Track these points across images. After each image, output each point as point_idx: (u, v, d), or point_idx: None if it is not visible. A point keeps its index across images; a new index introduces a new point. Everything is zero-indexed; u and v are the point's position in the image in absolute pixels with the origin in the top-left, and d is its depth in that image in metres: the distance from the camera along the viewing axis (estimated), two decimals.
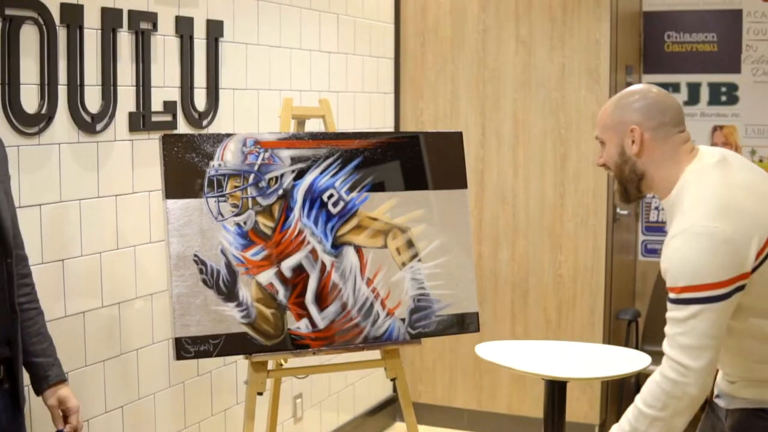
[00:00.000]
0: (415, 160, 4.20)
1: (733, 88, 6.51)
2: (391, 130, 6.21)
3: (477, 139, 6.12)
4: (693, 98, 6.59)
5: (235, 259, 3.81)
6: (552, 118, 5.99)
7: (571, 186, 5.99)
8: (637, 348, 6.17)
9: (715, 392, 3.18)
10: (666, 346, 2.86)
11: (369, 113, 5.92)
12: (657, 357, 5.21)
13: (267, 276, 3.87)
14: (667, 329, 2.87)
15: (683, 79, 6.60)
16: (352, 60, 5.71)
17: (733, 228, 2.79)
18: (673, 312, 2.85)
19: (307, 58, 5.24)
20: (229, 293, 3.79)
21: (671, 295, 2.84)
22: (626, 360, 4.38)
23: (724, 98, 6.51)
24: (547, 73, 5.99)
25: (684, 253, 2.80)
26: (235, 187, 3.84)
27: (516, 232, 6.14)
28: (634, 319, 6.21)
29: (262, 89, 4.85)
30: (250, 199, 3.87)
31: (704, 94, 6.55)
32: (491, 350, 4.46)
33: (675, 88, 6.59)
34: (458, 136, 4.36)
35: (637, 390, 3.15)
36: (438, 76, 6.24)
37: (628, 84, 6.20)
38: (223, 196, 3.81)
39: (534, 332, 6.12)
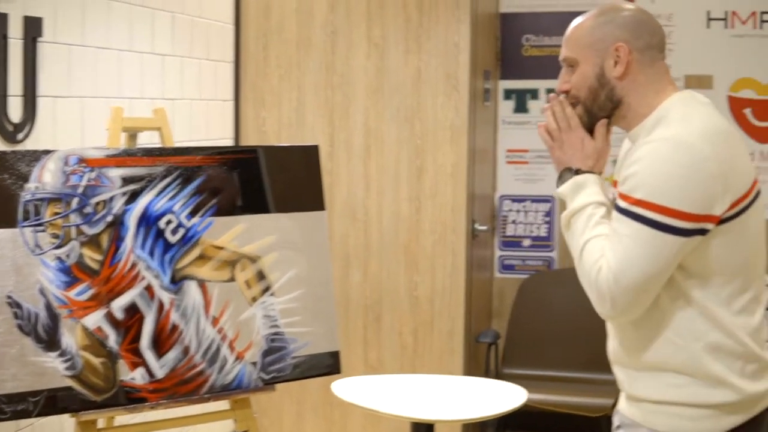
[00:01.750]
0: (266, 178, 3.78)
1: None
2: (231, 140, 5.76)
3: (325, 151, 5.71)
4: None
5: (56, 300, 3.30)
6: (407, 127, 5.63)
7: (428, 200, 5.65)
8: (497, 372, 6.00)
9: (615, 423, 2.87)
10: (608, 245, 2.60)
11: (207, 123, 5.46)
12: (519, 381, 5.02)
13: (95, 319, 3.38)
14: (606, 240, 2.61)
15: (542, 85, 6.36)
16: (188, 64, 5.22)
17: (720, 158, 2.53)
18: (615, 223, 2.58)
19: (138, 61, 4.75)
20: (50, 341, 3.29)
21: (620, 203, 2.56)
22: (497, 395, 4.19)
23: None
24: (401, 78, 5.64)
25: (655, 162, 2.52)
26: (56, 213, 3.34)
27: (368, 251, 5.76)
28: (494, 341, 5.99)
29: (87, 97, 4.34)
30: (73, 228, 3.36)
31: None
32: (349, 388, 4.14)
33: (533, 94, 6.36)
34: (314, 150, 3.96)
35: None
36: (282, 81, 5.79)
37: (486, 90, 5.95)
38: (41, 224, 3.30)
39: (389, 359, 5.75)
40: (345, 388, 4.13)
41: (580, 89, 2.72)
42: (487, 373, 5.90)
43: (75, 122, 4.28)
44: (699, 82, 6.10)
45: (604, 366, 5.84)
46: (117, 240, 3.43)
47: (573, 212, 2.67)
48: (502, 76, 6.37)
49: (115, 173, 3.46)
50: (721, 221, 2.54)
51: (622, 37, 2.66)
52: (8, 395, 3.20)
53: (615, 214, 2.56)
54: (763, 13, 6.01)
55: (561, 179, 2.75)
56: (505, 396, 4.14)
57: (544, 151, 6.31)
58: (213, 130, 5.53)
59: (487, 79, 6.06)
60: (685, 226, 2.49)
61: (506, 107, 6.36)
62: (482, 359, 5.98)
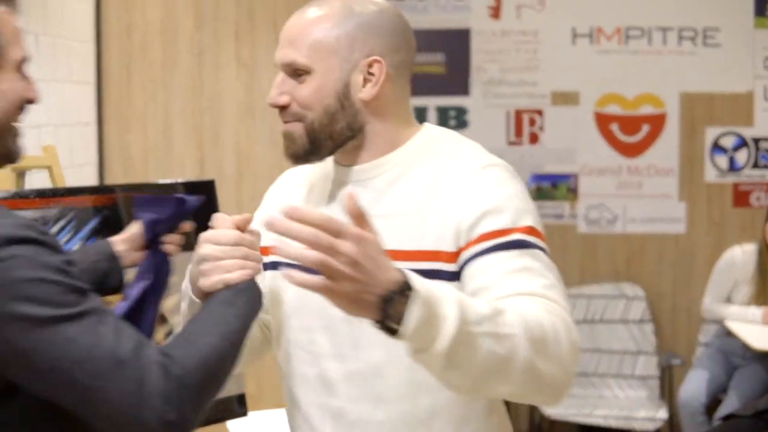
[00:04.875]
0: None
1: (462, 111, 6.18)
2: (95, 166, 5.48)
3: (195, 176, 5.49)
4: (420, 122, 6.19)
5: None
6: (280, 151, 5.42)
7: None
8: None
9: None
10: (544, 289, 1.88)
11: (70, 149, 5.17)
12: None
13: None
14: (525, 284, 1.88)
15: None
16: (54, 87, 4.94)
17: None
18: (522, 260, 1.90)
19: None
20: None
21: (516, 237, 1.91)
22: None
23: (453, 123, 6.18)
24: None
25: (510, 188, 1.98)
26: None
27: None
28: None
29: None
30: None
31: (432, 118, 6.21)
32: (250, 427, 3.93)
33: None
34: (210, 185, 3.75)
35: None
36: (147, 104, 5.55)
37: None
38: None
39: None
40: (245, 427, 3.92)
41: (310, 107, 2.00)
42: None
43: None
44: (565, 99, 6.12)
45: None
46: None
47: (457, 333, 1.65)
48: None
49: None
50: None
51: (378, 49, 2.00)
52: None
53: (505, 253, 1.91)
54: (628, 29, 6.05)
55: (397, 319, 1.62)
56: None
57: None
58: (77, 156, 5.25)
59: None
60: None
61: None
62: None
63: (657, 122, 6.12)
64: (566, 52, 6.08)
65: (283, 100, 2.03)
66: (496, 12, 6.08)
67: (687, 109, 6.11)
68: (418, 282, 1.63)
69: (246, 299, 1.92)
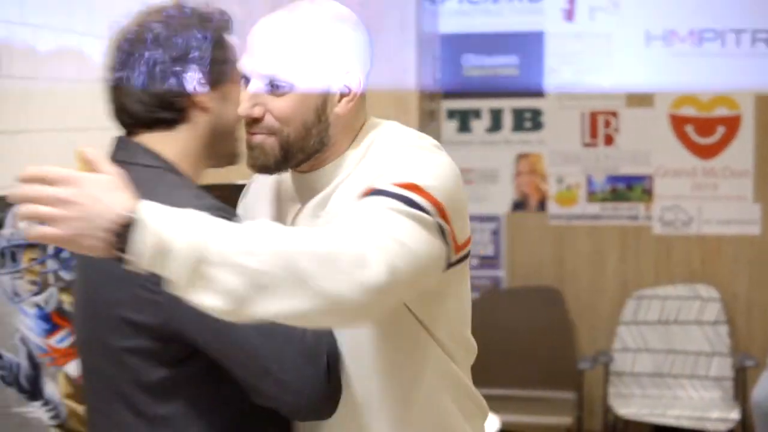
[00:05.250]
0: None
1: (537, 113, 6.25)
2: None
3: None
4: (495, 125, 6.31)
5: (37, 349, 3.19)
6: None
7: None
8: None
9: None
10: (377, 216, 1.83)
11: None
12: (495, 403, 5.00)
13: (77, 366, 3.24)
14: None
15: (485, 104, 6.32)
16: None
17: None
18: (379, 200, 1.86)
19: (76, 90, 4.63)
20: (33, 391, 3.17)
21: (384, 187, 1.87)
22: None
23: (528, 124, 6.25)
24: None
25: (423, 158, 1.96)
26: (33, 260, 3.22)
27: None
28: None
29: (43, 131, 4.23)
30: (51, 274, 3.25)
31: (507, 120, 6.27)
32: None
33: (476, 114, 6.30)
34: None
35: None
36: None
37: (431, 113, 5.88)
38: (18, 271, 3.18)
39: None
40: None
41: (288, 122, 2.00)
42: None
43: (22, 157, 4.16)
44: (640, 101, 6.15)
45: (557, 384, 5.92)
46: None
47: (191, 261, 1.67)
48: (443, 96, 6.33)
49: None
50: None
51: (354, 64, 2.03)
52: None
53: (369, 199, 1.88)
54: (701, 31, 6.07)
55: (128, 253, 1.67)
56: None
57: (488, 170, 6.32)
58: None
59: (431, 101, 6.01)
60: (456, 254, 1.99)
61: (449, 128, 6.33)
62: None
63: (732, 124, 6.13)
64: (640, 54, 6.11)
65: (257, 112, 2.02)
66: (569, 14, 6.14)
67: (762, 110, 6.10)
68: (149, 213, 1.66)
69: None
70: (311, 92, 1.99)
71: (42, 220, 1.66)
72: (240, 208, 2.27)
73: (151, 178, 2.01)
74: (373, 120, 2.13)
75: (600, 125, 6.19)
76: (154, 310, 1.95)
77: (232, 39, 2.18)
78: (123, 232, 1.65)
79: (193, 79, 2.10)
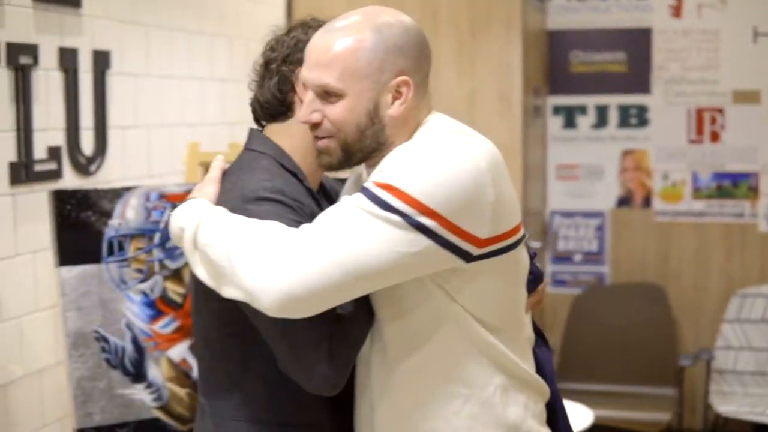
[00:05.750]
0: None
1: (643, 110, 6.24)
2: None
3: None
4: (601, 121, 6.32)
5: (142, 334, 3.35)
6: None
7: None
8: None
9: None
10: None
11: None
12: (573, 396, 5.03)
13: (179, 351, 3.42)
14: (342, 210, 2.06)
15: (591, 100, 6.33)
16: (245, 87, 5.23)
17: (497, 171, 2.13)
18: (354, 198, 2.07)
19: (198, 87, 4.78)
20: (137, 373, 3.34)
21: (365, 185, 2.07)
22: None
23: (634, 121, 6.25)
24: (454, 99, 5.59)
25: (413, 156, 2.08)
26: (139, 249, 3.37)
27: None
28: None
29: (153, 125, 4.37)
30: (156, 263, 3.40)
31: (613, 116, 6.28)
32: None
33: (582, 110, 6.32)
34: None
35: None
36: None
37: (536, 108, 5.92)
38: (125, 260, 3.34)
39: None
40: None
41: (343, 126, 2.15)
42: None
43: (142, 151, 4.31)
44: (746, 98, 6.10)
45: (658, 380, 5.92)
46: None
47: (188, 237, 2.14)
48: (550, 92, 6.37)
49: None
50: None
51: (406, 69, 2.13)
52: (97, 427, 3.24)
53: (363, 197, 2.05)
54: None
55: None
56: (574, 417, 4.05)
57: (593, 167, 6.34)
58: None
59: (537, 97, 6.05)
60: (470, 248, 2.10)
61: (555, 123, 6.37)
62: None
63: None
64: (747, 50, 6.07)
65: (315, 117, 2.16)
66: (677, 11, 6.13)
67: None
68: (181, 206, 2.20)
69: None
70: (361, 98, 2.13)
71: None
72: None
73: (249, 160, 2.29)
74: (433, 114, 2.24)
75: (706, 122, 6.16)
76: None
77: None
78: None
79: (298, 78, 2.28)
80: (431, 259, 2.04)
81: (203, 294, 2.22)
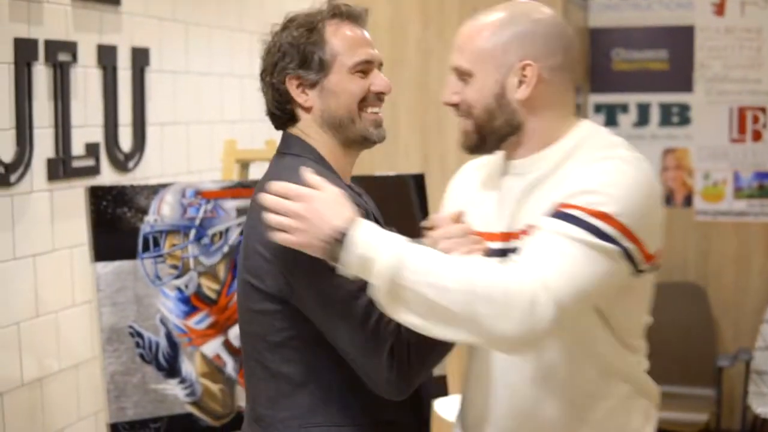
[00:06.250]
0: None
1: (685, 108, 6.20)
2: None
3: (419, 169, 5.69)
4: (643, 119, 6.28)
5: (176, 329, 3.36)
6: None
7: None
8: None
9: None
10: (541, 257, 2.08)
11: None
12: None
13: (213, 346, 3.43)
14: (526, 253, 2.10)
15: (632, 99, 6.29)
16: None
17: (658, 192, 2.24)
18: (567, 227, 2.09)
19: (238, 84, 4.80)
20: (171, 369, 3.35)
21: (574, 213, 2.09)
22: None
23: (676, 119, 6.21)
24: None
25: (617, 178, 2.11)
26: (174, 245, 3.39)
27: None
28: None
29: (191, 122, 4.39)
30: (191, 259, 3.41)
31: (655, 114, 6.24)
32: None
33: (623, 108, 6.29)
34: (420, 179, 4.00)
35: None
36: None
37: (577, 106, 5.88)
38: (160, 256, 3.36)
39: None
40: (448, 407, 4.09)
41: (473, 106, 2.25)
42: None
43: (181, 148, 4.33)
44: None
45: (697, 380, 5.88)
46: (234, 270, 3.45)
47: (389, 276, 2.02)
48: (591, 90, 6.34)
49: (231, 205, 3.50)
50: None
51: (532, 54, 2.21)
52: (130, 422, 3.25)
53: (556, 222, 2.10)
54: None
55: (340, 261, 2.05)
56: None
57: None
58: None
59: (578, 95, 6.02)
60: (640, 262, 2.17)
61: (596, 121, 6.27)
62: None
63: None
64: None
65: (454, 99, 2.28)
66: (719, 9, 6.08)
67: None
68: (359, 231, 2.02)
69: None
70: (488, 79, 2.23)
71: (281, 228, 2.05)
72: (450, 188, 2.53)
73: (294, 165, 2.23)
74: (583, 123, 2.32)
75: (748, 120, 6.11)
76: (273, 280, 2.18)
77: (340, 33, 2.33)
78: (337, 243, 2.02)
79: (292, 84, 2.30)
80: (624, 275, 2.14)
81: (251, 302, 2.24)
